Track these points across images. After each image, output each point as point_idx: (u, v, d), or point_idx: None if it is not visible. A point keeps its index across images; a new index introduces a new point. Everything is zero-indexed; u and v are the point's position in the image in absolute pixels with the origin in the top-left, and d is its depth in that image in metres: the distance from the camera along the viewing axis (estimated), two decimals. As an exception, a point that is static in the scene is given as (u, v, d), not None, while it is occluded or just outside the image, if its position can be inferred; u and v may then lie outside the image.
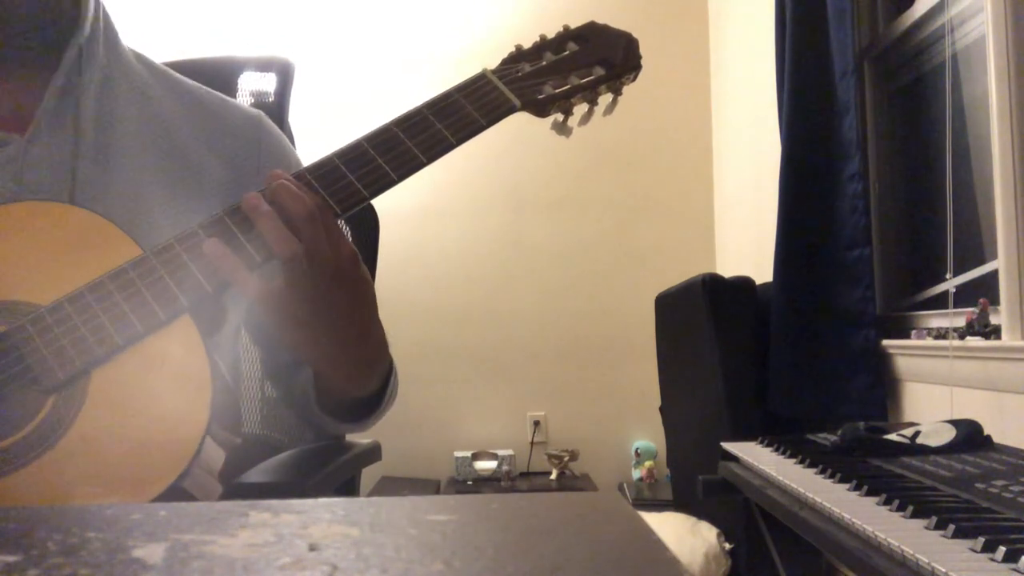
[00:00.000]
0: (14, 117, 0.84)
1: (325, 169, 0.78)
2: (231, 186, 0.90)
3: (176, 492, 0.67)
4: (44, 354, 0.69)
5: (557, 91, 0.88)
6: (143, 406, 0.70)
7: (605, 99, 0.92)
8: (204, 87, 0.97)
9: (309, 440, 1.26)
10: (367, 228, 1.38)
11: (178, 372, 0.71)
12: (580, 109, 0.91)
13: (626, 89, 0.94)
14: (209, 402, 0.69)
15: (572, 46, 0.91)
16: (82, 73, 0.85)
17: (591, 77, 0.90)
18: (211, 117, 0.93)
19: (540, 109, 0.88)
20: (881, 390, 1.91)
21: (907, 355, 1.87)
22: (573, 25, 0.93)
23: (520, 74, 0.88)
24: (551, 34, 0.92)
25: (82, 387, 0.69)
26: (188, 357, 0.71)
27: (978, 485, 0.98)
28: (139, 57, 0.94)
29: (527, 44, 0.91)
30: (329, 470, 1.06)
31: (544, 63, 0.89)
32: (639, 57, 0.92)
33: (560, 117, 0.90)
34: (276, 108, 1.29)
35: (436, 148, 0.81)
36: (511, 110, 0.85)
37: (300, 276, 0.72)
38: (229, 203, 0.77)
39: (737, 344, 2.21)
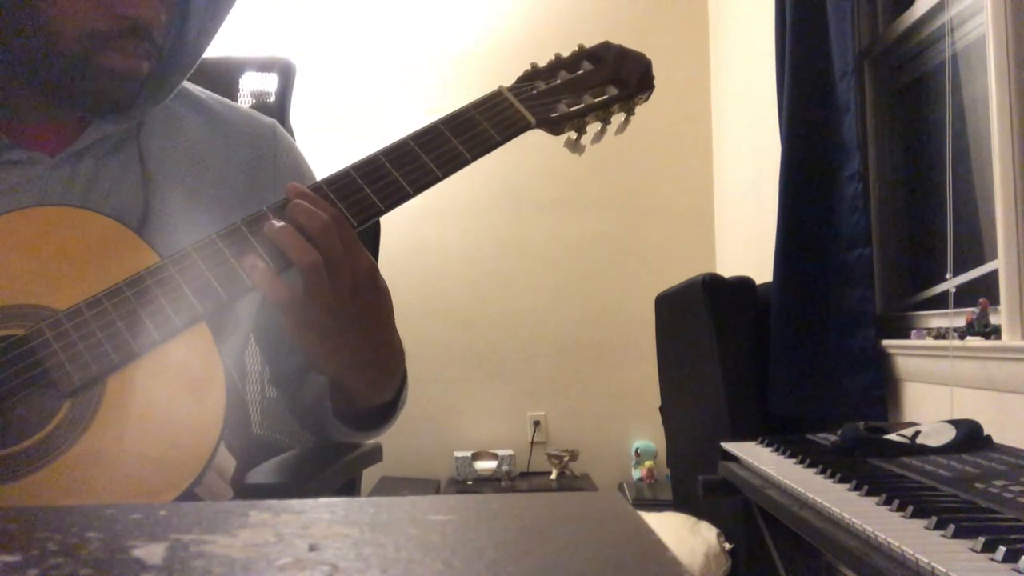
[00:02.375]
0: (48, 136, 0.85)
1: (342, 182, 0.79)
2: (249, 196, 0.91)
3: (189, 497, 0.67)
4: (61, 358, 0.69)
5: (571, 109, 0.89)
6: (158, 412, 0.70)
7: (618, 118, 0.94)
8: (215, 96, 0.99)
9: (310, 441, 1.26)
10: (368, 229, 1.38)
11: (193, 379, 0.71)
12: (593, 127, 0.93)
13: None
14: (224, 409, 0.69)
15: (587, 65, 0.92)
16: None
17: (604, 96, 0.91)
18: (228, 128, 0.95)
19: (554, 127, 0.89)
20: (881, 390, 1.91)
21: (907, 355, 1.87)
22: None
23: (535, 92, 0.89)
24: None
25: (98, 392, 0.69)
26: (203, 364, 0.71)
27: (978, 485, 0.98)
28: None
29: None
30: (330, 471, 1.06)
31: (559, 81, 0.90)
32: (652, 78, 0.93)
33: (573, 135, 0.92)
34: (277, 108, 1.29)
35: (451, 163, 0.82)
36: (526, 127, 0.86)
37: (321, 287, 0.73)
38: (246, 212, 0.78)
39: (737, 344, 2.21)
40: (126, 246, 0.75)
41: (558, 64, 0.92)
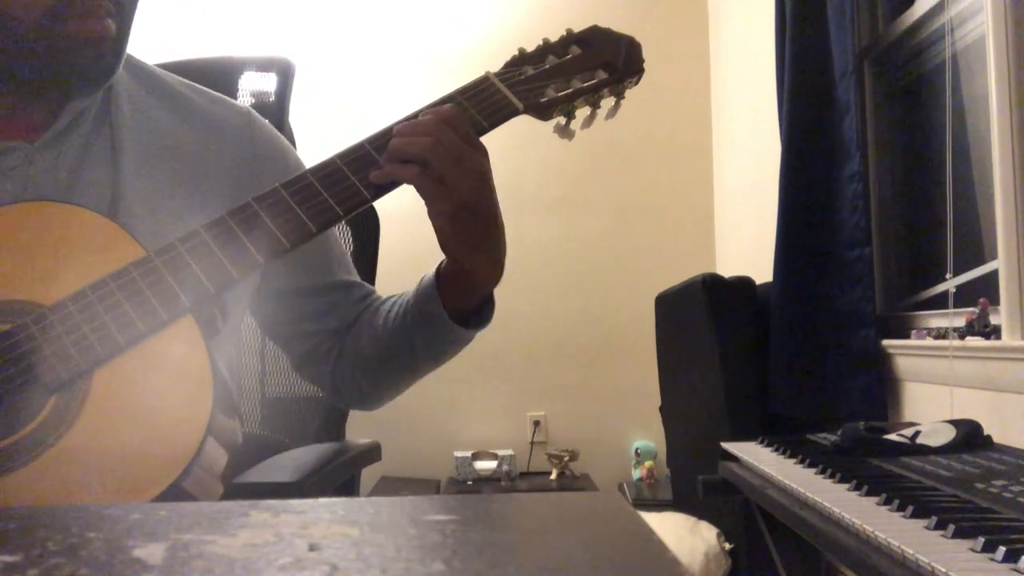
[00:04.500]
0: (23, 125, 0.84)
1: (328, 170, 0.79)
2: (229, 186, 0.90)
3: (177, 492, 0.67)
4: (46, 353, 0.69)
5: (560, 94, 0.88)
6: (144, 406, 0.70)
7: (607, 103, 0.93)
8: (191, 84, 0.97)
9: (309, 440, 1.27)
10: (368, 228, 1.38)
11: (179, 372, 0.71)
12: (582, 112, 0.91)
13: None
14: (210, 402, 0.69)
15: (575, 49, 0.91)
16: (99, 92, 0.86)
17: (594, 81, 0.90)
18: (203, 118, 0.94)
19: (542, 112, 0.88)
20: (881, 390, 1.91)
21: (907, 355, 1.87)
22: (575, 28, 0.93)
23: (523, 77, 0.88)
24: (554, 37, 0.92)
25: (84, 386, 0.69)
26: (189, 357, 0.71)
27: (978, 485, 0.98)
28: (127, 59, 0.94)
29: (527, 44, 0.92)
30: (329, 470, 1.06)
31: (547, 66, 0.89)
32: (642, 61, 0.92)
33: (562, 120, 0.91)
34: (276, 108, 1.29)
35: None
36: (513, 113, 0.86)
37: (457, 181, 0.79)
38: (228, 202, 0.78)
39: (737, 344, 2.21)
40: (111, 239, 0.74)
41: (546, 49, 0.91)
